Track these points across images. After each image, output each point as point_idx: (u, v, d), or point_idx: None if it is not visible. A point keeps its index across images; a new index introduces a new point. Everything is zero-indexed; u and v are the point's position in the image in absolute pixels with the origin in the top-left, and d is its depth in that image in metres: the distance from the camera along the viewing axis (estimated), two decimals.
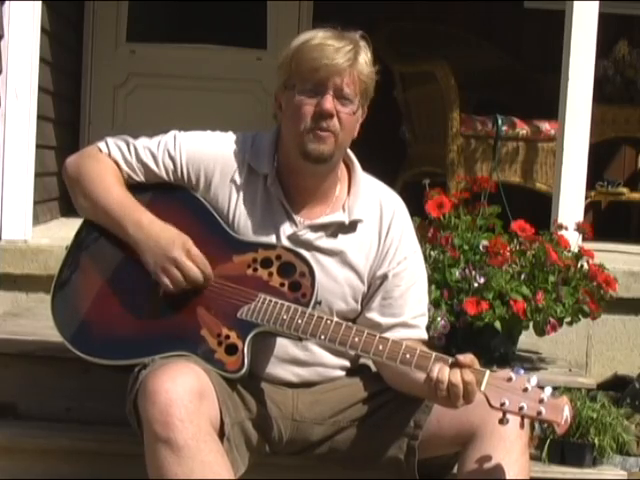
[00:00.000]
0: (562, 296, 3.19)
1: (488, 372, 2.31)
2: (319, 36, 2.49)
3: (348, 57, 2.45)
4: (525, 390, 2.26)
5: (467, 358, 2.31)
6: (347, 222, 2.58)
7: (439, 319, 3.12)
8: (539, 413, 2.25)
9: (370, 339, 2.38)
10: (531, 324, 3.22)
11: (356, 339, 2.38)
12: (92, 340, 2.52)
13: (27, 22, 4.03)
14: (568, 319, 3.25)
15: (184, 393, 2.28)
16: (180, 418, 2.26)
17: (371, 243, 2.61)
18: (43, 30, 4.33)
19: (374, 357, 2.40)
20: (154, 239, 2.50)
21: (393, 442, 2.57)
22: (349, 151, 2.64)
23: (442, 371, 2.30)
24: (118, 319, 2.52)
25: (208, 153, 2.59)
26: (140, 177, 2.62)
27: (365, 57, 2.49)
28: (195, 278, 2.47)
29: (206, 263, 2.48)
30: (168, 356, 2.42)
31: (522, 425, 2.30)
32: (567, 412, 2.26)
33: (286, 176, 2.57)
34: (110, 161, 2.61)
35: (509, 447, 2.43)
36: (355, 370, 2.69)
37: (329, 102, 2.46)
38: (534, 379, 2.28)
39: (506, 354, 3.29)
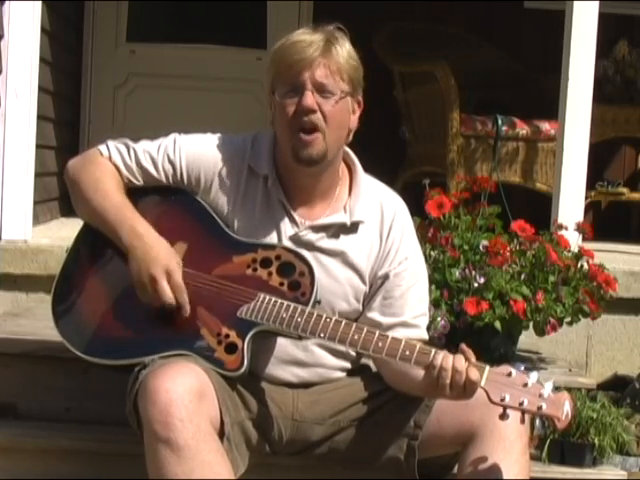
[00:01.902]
0: (562, 296, 3.19)
1: (488, 367, 2.31)
2: (293, 34, 2.49)
3: (317, 46, 2.44)
4: (525, 385, 2.26)
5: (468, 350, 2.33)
6: (348, 223, 2.58)
7: (439, 319, 3.12)
8: (539, 408, 2.25)
9: (369, 336, 2.38)
10: (531, 324, 3.22)
11: (355, 336, 2.38)
12: (92, 340, 2.53)
13: (27, 22, 4.03)
14: (568, 319, 3.25)
15: (184, 393, 2.28)
16: (180, 418, 2.26)
17: (372, 244, 2.61)
18: (43, 30, 4.33)
19: (373, 354, 2.40)
20: (142, 251, 2.49)
21: (393, 442, 2.57)
22: (350, 152, 2.64)
23: (446, 359, 2.31)
24: (118, 319, 2.52)
25: (207, 156, 2.59)
26: (140, 181, 2.62)
27: (340, 46, 2.47)
28: (167, 302, 2.46)
29: (183, 293, 2.47)
30: (168, 356, 2.42)
31: (522, 420, 2.30)
32: (567, 407, 2.26)
33: (286, 177, 2.57)
34: (110, 165, 2.61)
35: (509, 447, 2.43)
36: (355, 370, 2.68)
37: (309, 97, 2.45)
38: (534, 374, 2.28)
39: (506, 354, 3.29)
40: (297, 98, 2.46)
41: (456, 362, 2.30)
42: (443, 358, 2.32)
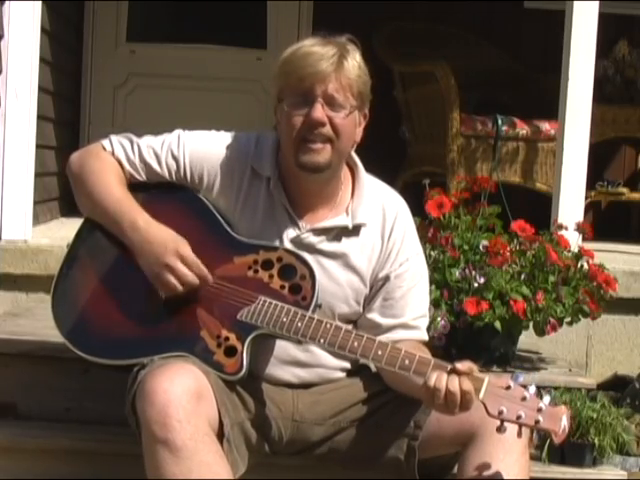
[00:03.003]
0: (562, 296, 3.19)
1: (487, 380, 2.30)
2: (305, 45, 2.47)
3: (332, 62, 2.43)
4: (523, 399, 2.26)
5: (465, 366, 2.30)
6: (350, 226, 2.58)
7: (439, 319, 3.12)
8: (537, 422, 2.25)
9: (369, 344, 2.37)
10: (531, 324, 3.21)
11: (355, 343, 2.38)
12: (92, 339, 2.52)
13: (27, 22, 4.03)
14: (568, 319, 3.25)
15: (182, 394, 2.28)
16: (178, 419, 2.25)
17: (374, 246, 2.60)
18: (43, 30, 4.33)
19: (373, 362, 2.40)
20: (148, 243, 2.49)
21: (393, 442, 2.57)
22: (353, 154, 2.63)
23: (439, 379, 2.29)
24: (118, 319, 2.52)
25: (211, 154, 2.59)
26: (142, 176, 2.62)
27: (352, 60, 2.46)
28: (190, 283, 2.46)
29: (201, 266, 2.47)
30: (167, 357, 2.42)
31: (520, 434, 2.29)
32: (565, 421, 2.25)
33: (289, 180, 2.57)
34: (113, 160, 2.62)
35: (509, 447, 2.42)
36: (355, 371, 2.68)
37: (318, 111, 2.44)
38: (533, 387, 2.28)
39: (506, 354, 3.28)
40: (306, 110, 2.45)
41: (450, 384, 2.28)
42: (437, 379, 2.29)
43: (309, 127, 2.45)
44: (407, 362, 2.34)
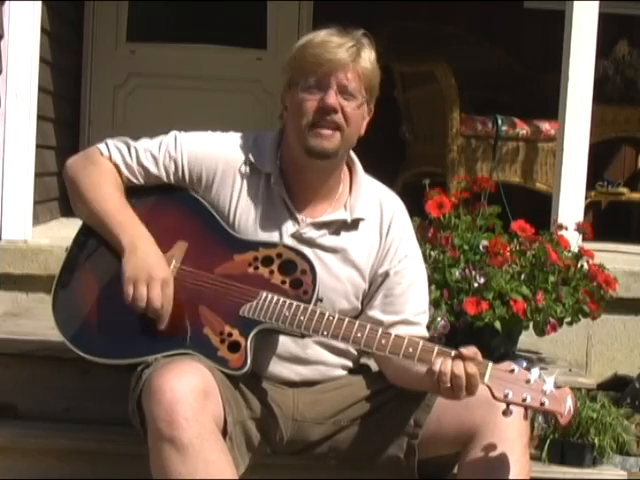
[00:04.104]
0: (562, 296, 3.19)
1: (491, 364, 2.31)
2: (321, 34, 2.50)
3: (351, 52, 2.47)
4: (528, 382, 2.28)
5: (470, 351, 2.32)
6: (349, 220, 2.59)
7: (439, 319, 3.12)
8: (542, 404, 2.26)
9: (372, 334, 2.38)
10: (531, 324, 3.22)
11: (359, 334, 2.39)
12: (94, 339, 2.52)
13: (27, 22, 4.03)
14: (568, 319, 3.25)
15: (189, 392, 2.28)
16: (185, 417, 2.25)
17: (372, 241, 2.61)
18: (43, 30, 4.33)
19: (377, 351, 2.40)
20: (144, 253, 2.48)
21: (393, 441, 2.57)
22: (351, 152, 2.64)
23: (445, 363, 2.31)
24: (119, 318, 2.51)
25: (209, 153, 2.59)
26: (140, 180, 2.62)
27: (368, 54, 2.51)
28: (152, 309, 2.44)
29: (169, 308, 2.45)
30: (172, 355, 2.42)
31: (526, 416, 2.32)
32: (570, 403, 2.27)
33: (290, 174, 2.58)
34: (110, 165, 2.61)
35: (510, 447, 2.43)
36: (355, 370, 2.69)
37: (332, 97, 2.47)
38: (536, 371, 2.29)
39: (506, 354, 3.28)
40: (320, 95, 2.47)
41: (455, 368, 2.30)
42: (442, 363, 2.31)
43: (322, 112, 2.47)
44: (411, 350, 2.35)
